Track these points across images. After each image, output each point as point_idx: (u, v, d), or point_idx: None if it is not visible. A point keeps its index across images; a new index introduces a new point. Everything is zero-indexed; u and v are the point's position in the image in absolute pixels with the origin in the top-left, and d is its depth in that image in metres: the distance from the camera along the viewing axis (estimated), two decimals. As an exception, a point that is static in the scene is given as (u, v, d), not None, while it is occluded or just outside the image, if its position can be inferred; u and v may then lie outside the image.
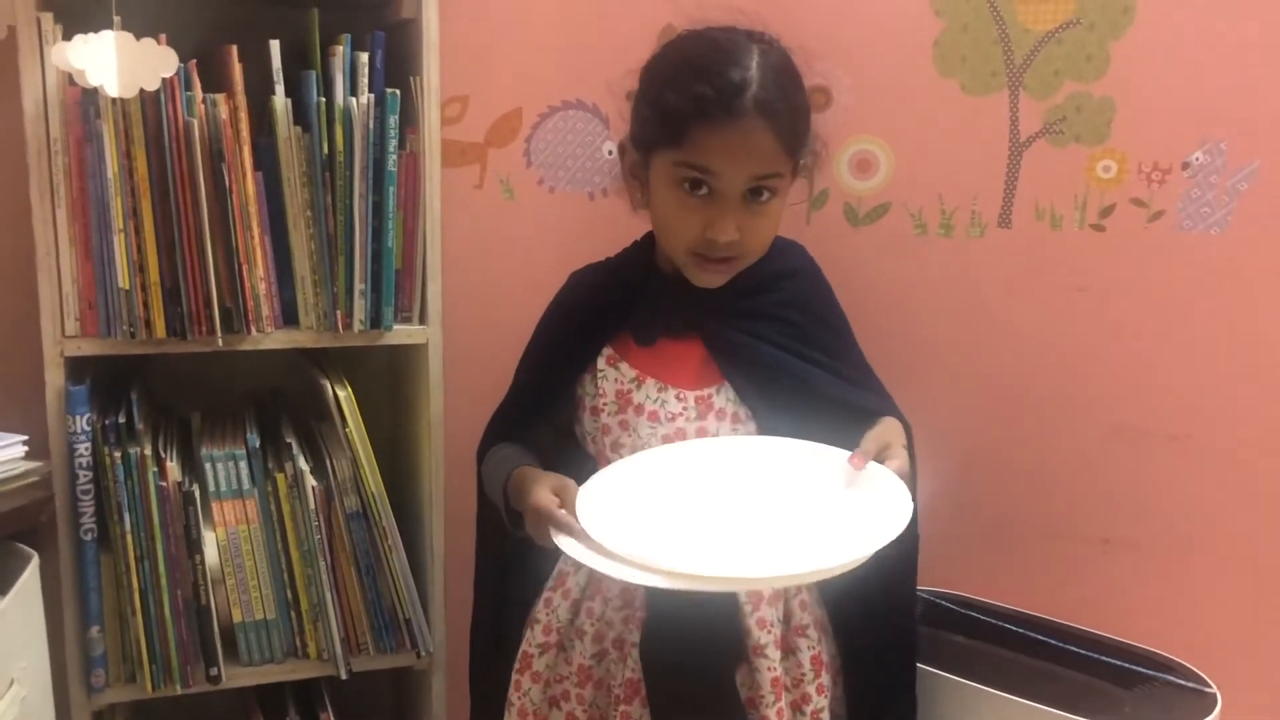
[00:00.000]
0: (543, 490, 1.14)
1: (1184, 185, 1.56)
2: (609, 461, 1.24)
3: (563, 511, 1.11)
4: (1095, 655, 1.50)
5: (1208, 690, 1.43)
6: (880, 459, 1.13)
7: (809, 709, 1.26)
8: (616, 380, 1.27)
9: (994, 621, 1.59)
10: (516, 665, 1.30)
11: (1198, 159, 1.55)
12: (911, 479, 1.15)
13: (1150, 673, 1.47)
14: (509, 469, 1.23)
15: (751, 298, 1.26)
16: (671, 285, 1.25)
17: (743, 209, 1.17)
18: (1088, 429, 1.65)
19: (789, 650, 1.25)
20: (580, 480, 1.17)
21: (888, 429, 1.20)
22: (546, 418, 1.32)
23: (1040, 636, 1.55)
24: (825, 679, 1.27)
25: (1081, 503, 1.67)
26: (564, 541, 1.10)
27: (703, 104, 1.12)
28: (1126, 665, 1.48)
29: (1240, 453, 1.62)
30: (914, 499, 1.09)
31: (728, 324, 1.25)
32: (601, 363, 1.28)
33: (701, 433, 1.24)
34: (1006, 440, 1.66)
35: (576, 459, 1.29)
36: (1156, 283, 1.59)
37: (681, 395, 1.25)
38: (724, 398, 1.25)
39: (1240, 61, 1.52)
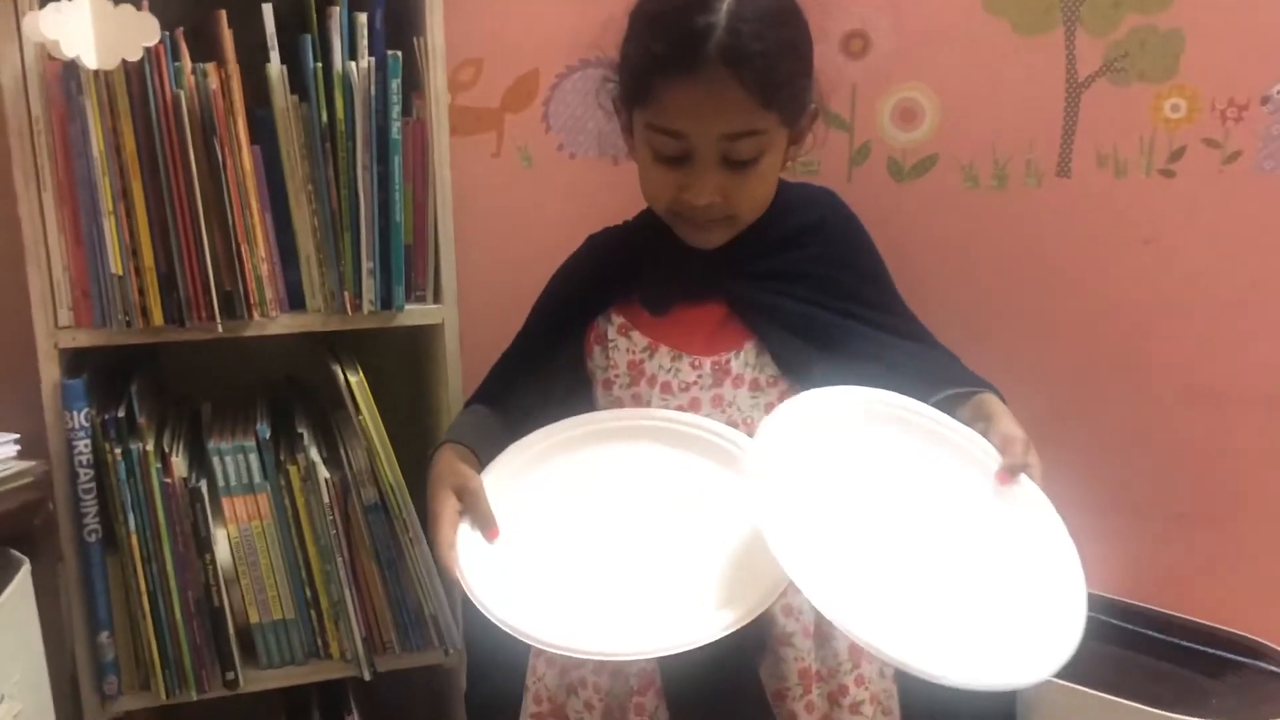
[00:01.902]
0: (445, 499, 1.09)
1: (1264, 122, 1.45)
2: None
3: (449, 555, 1.06)
4: (1177, 641, 1.43)
5: (1304, 676, 1.33)
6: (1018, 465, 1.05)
7: (846, 701, 1.18)
8: (628, 350, 1.20)
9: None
10: (533, 650, 1.24)
11: (1279, 93, 1.42)
12: None
13: (1239, 659, 1.38)
14: (444, 438, 1.17)
15: (775, 255, 1.17)
16: (687, 249, 1.17)
17: (722, 170, 1.08)
18: (1160, 394, 1.55)
19: (823, 638, 1.17)
20: None
21: (1005, 419, 1.08)
22: (536, 382, 1.25)
23: (1116, 621, 1.47)
24: (868, 669, 1.18)
25: (1155, 474, 1.58)
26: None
27: (659, 59, 1.04)
28: (1212, 651, 1.40)
29: (1331, 415, 1.51)
30: None
31: (753, 285, 1.17)
32: (612, 332, 1.21)
33: (717, 401, 1.16)
34: (1070, 408, 1.57)
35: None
36: (1234, 231, 1.49)
37: (697, 362, 1.17)
38: (742, 362, 1.17)
39: (1325, -20, 1.39)
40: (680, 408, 1.16)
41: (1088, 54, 1.46)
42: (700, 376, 1.17)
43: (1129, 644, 1.43)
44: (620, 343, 1.20)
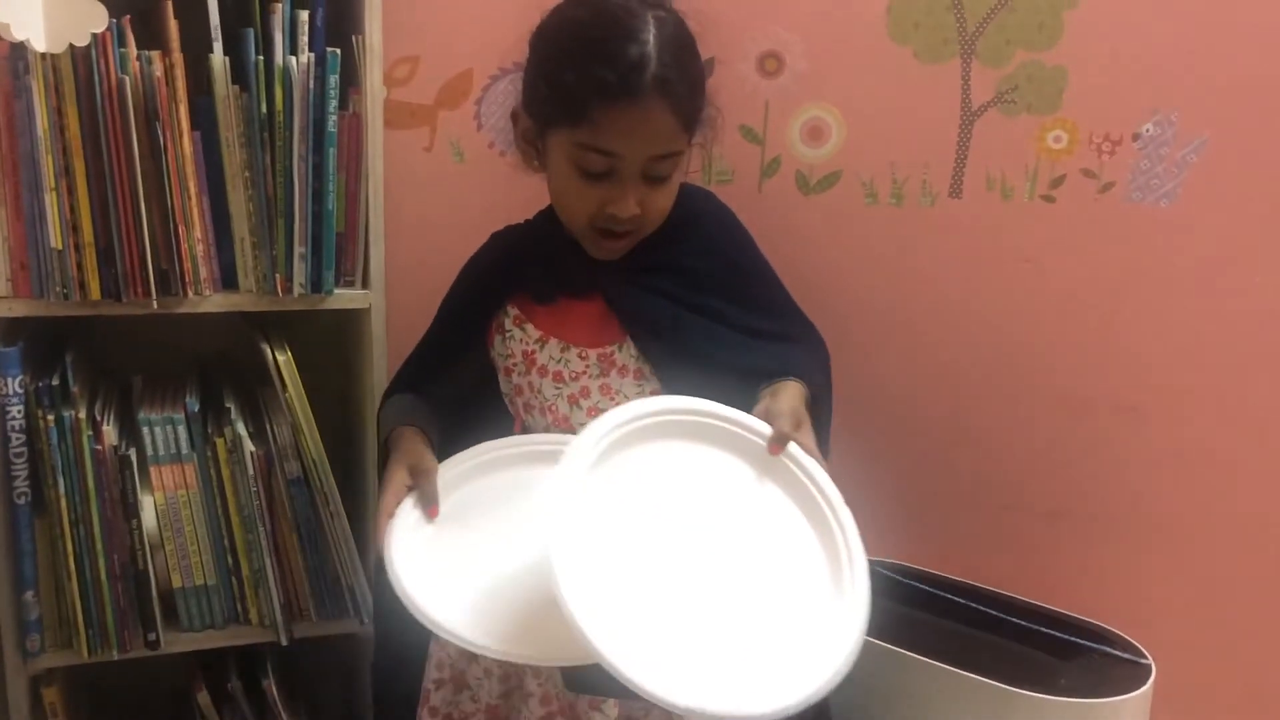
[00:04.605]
0: (398, 472, 1.16)
1: (1134, 157, 1.56)
2: (523, 423, 1.28)
3: (382, 523, 1.12)
4: (1034, 626, 1.52)
5: (1143, 661, 1.44)
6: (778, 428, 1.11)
7: None
8: (522, 340, 1.27)
9: (935, 591, 1.59)
10: None
11: (1148, 131, 1.55)
12: (825, 430, 1.17)
13: (1087, 644, 1.48)
14: (394, 424, 1.23)
15: (651, 250, 1.24)
16: (570, 245, 1.25)
17: (642, 185, 1.16)
18: (1036, 401, 1.66)
19: None
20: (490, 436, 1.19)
21: (782, 397, 1.15)
22: (448, 372, 1.32)
23: (980, 607, 1.56)
24: None
25: (1030, 475, 1.68)
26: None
27: (602, 86, 1.10)
28: (1064, 637, 1.50)
29: (1186, 426, 1.64)
30: (828, 450, 1.09)
31: (626, 279, 1.24)
32: (509, 323, 1.29)
33: (605, 389, 1.24)
34: (955, 410, 1.67)
35: (480, 416, 1.29)
36: (1106, 254, 1.59)
37: (584, 354, 1.25)
38: (626, 354, 1.24)
39: (1192, 33, 1.52)
40: (571, 396, 1.24)
41: (981, 85, 1.56)
42: (588, 366, 1.24)
43: (992, 629, 1.51)
44: (515, 333, 1.28)
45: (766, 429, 1.12)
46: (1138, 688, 1.39)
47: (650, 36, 1.11)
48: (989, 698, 1.36)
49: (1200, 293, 1.59)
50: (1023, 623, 1.52)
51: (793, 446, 1.11)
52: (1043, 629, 1.50)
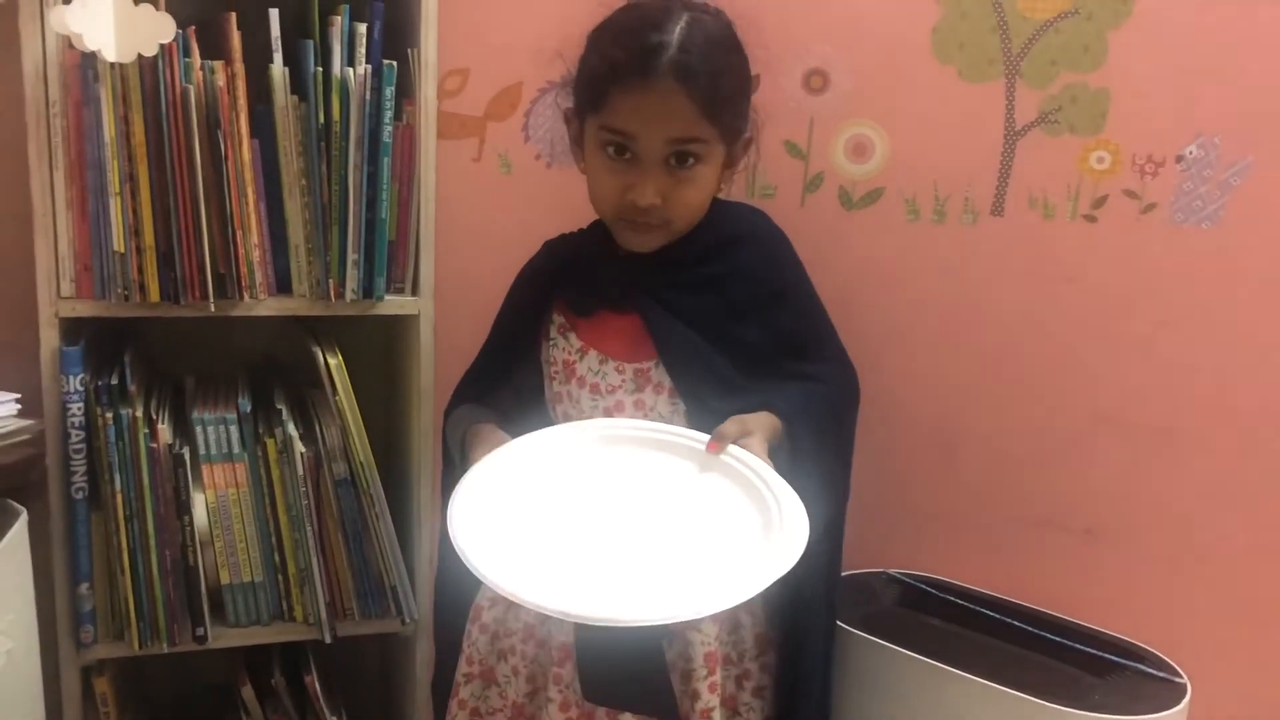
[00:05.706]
0: (483, 453, 1.19)
1: (1177, 178, 1.56)
2: None
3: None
4: (1069, 642, 1.52)
5: (1178, 680, 1.45)
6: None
7: (750, 685, 1.27)
8: (565, 350, 1.30)
9: (971, 606, 1.60)
10: (470, 615, 1.33)
11: (1191, 153, 1.55)
12: (814, 463, 1.19)
13: (1122, 661, 1.49)
14: (467, 426, 1.26)
15: (691, 268, 1.25)
16: (613, 257, 1.27)
17: (665, 174, 1.18)
18: (1075, 419, 1.66)
19: (734, 626, 1.26)
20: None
21: (745, 416, 1.18)
22: (508, 380, 1.34)
23: (1015, 622, 1.57)
24: (773, 658, 1.27)
25: (1066, 492, 1.68)
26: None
27: (616, 67, 1.15)
28: (1099, 653, 1.50)
29: (1224, 447, 1.63)
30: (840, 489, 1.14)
31: (661, 300, 1.25)
32: (554, 331, 1.31)
33: (639, 405, 1.25)
34: (993, 427, 1.67)
35: (540, 423, 1.31)
36: (1147, 275, 1.60)
37: (621, 368, 1.26)
38: (661, 372, 1.26)
39: (1236, 56, 1.52)
40: (607, 410, 1.26)
41: (1025, 105, 1.57)
42: (624, 381, 1.26)
43: (1027, 644, 1.52)
44: (560, 341, 1.30)
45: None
46: (1172, 706, 1.39)
47: (677, 28, 1.15)
48: (1023, 712, 1.36)
49: (1241, 316, 1.59)
50: (1058, 639, 1.52)
51: (738, 450, 1.14)
52: (1077, 645, 1.51)
